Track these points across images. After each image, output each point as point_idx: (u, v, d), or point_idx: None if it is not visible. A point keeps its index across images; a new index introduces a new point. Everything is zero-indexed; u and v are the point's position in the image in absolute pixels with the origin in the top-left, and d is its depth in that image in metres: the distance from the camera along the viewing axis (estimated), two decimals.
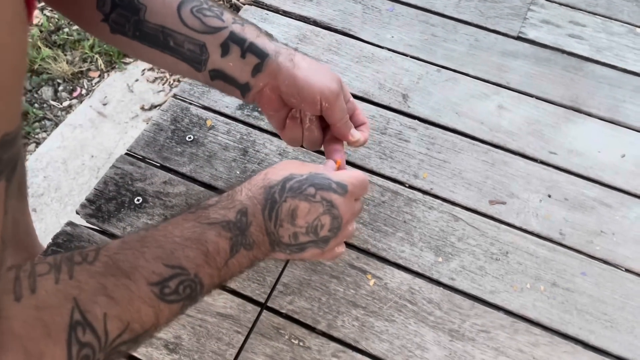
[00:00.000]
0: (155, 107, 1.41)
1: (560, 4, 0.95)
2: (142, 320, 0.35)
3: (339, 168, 0.55)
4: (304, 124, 0.57)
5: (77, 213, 0.71)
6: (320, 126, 0.58)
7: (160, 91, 1.45)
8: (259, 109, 0.67)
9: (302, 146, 0.60)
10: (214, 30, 0.52)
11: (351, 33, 0.90)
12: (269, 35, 0.55)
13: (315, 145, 0.59)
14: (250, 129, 0.78)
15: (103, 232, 0.69)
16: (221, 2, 1.57)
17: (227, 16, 0.53)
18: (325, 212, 0.47)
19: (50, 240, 0.68)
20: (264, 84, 0.54)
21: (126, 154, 0.76)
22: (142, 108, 1.41)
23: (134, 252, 0.36)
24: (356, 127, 0.59)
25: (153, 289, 0.36)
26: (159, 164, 0.75)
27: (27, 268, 0.32)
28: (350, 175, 0.50)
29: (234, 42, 0.53)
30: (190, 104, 0.81)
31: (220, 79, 0.54)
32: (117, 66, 1.50)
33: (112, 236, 0.69)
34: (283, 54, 0.53)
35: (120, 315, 0.33)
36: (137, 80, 1.48)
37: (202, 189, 0.72)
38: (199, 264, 0.39)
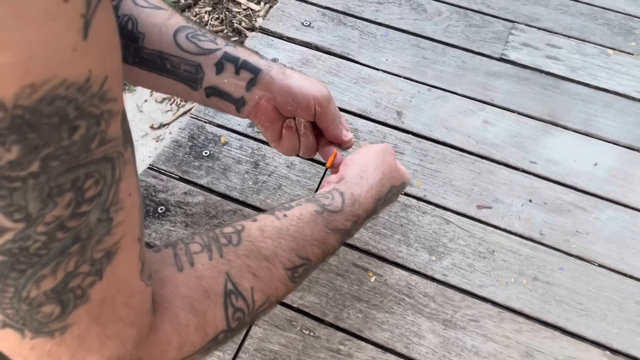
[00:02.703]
0: (164, 125, 1.49)
1: (538, 29, 1.04)
2: (278, 295, 0.44)
3: (335, 157, 0.62)
4: (300, 131, 0.61)
5: None
6: (314, 133, 0.63)
7: (168, 111, 1.53)
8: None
9: (298, 155, 0.64)
10: (209, 52, 0.56)
11: (349, 57, 0.99)
12: (260, 55, 0.59)
13: (311, 151, 0.63)
14: (260, 144, 0.86)
15: None
16: (224, 27, 1.67)
17: (220, 40, 0.58)
18: (389, 205, 0.61)
19: None
20: (259, 96, 0.58)
21: (149, 168, 0.84)
22: (152, 127, 1.49)
23: (272, 241, 0.44)
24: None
25: (287, 273, 0.45)
26: (178, 177, 0.83)
27: (182, 247, 0.39)
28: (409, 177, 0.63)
29: (228, 61, 0.56)
30: (205, 122, 0.89)
31: (216, 95, 0.58)
32: (126, 87, 1.59)
33: None
34: (275, 68, 0.58)
35: (263, 290, 0.42)
36: (146, 100, 1.56)
37: (218, 198, 0.80)
38: (319, 258, 0.49)
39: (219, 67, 0.57)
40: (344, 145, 0.63)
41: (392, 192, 0.57)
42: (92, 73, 0.24)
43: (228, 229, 0.43)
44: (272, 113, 0.59)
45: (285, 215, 0.47)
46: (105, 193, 0.27)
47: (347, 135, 0.62)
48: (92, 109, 0.24)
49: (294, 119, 0.61)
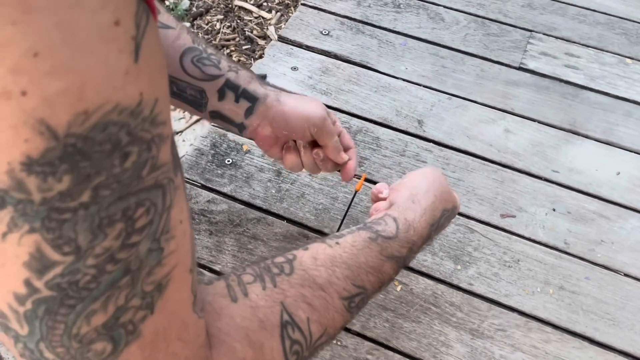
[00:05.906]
0: (178, 133, 1.50)
1: (557, 38, 1.05)
2: (335, 326, 0.42)
3: (364, 180, 0.64)
4: (299, 151, 0.64)
5: None
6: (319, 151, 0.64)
7: (181, 118, 1.54)
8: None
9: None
10: (212, 78, 0.60)
11: (369, 65, 0.99)
12: (262, 79, 0.62)
13: (314, 168, 0.65)
14: None
15: None
16: (236, 35, 1.68)
17: (224, 64, 0.60)
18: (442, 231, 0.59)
19: None
20: (257, 123, 0.61)
21: None
22: None
23: (326, 269, 0.42)
24: (344, 150, 0.65)
25: (343, 302, 0.42)
26: (201, 185, 0.83)
27: (234, 278, 0.37)
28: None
29: (229, 89, 0.60)
30: (228, 130, 0.89)
31: (219, 118, 0.62)
32: None
33: None
34: (271, 96, 0.60)
35: (320, 320, 0.40)
36: None
37: (242, 206, 0.80)
38: (375, 287, 0.47)
39: (221, 94, 0.60)
40: (341, 164, 0.65)
41: (444, 215, 0.55)
42: (144, 96, 0.23)
43: (279, 259, 0.41)
44: (269, 138, 0.62)
45: (337, 243, 0.45)
46: (156, 222, 0.26)
47: (344, 157, 0.64)
48: (144, 134, 0.24)
49: (294, 140, 0.64)
